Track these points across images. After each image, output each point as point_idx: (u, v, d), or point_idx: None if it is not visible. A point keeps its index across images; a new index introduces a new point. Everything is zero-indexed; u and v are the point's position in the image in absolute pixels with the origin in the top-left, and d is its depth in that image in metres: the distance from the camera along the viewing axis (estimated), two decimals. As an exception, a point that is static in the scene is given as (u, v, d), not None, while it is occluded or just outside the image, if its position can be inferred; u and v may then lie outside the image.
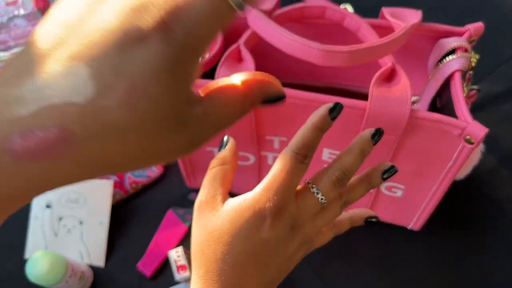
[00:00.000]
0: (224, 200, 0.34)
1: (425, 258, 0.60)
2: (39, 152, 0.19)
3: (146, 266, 0.60)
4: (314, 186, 0.33)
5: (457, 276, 0.58)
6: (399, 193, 0.54)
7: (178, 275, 0.57)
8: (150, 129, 0.20)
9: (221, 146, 0.37)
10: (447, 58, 0.48)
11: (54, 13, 0.21)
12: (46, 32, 0.20)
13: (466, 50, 0.48)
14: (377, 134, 0.33)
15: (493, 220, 0.62)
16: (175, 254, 0.58)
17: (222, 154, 0.36)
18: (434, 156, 0.47)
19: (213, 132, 0.23)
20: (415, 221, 0.58)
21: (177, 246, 0.61)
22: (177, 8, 0.18)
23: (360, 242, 0.61)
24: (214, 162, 0.36)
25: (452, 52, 0.48)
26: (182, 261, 0.58)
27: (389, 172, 0.34)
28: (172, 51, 0.18)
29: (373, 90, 0.43)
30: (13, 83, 0.19)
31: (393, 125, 0.44)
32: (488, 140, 0.44)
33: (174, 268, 0.58)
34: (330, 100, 0.44)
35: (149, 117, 0.19)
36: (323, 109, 0.32)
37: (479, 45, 0.51)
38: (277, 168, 0.32)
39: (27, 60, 0.19)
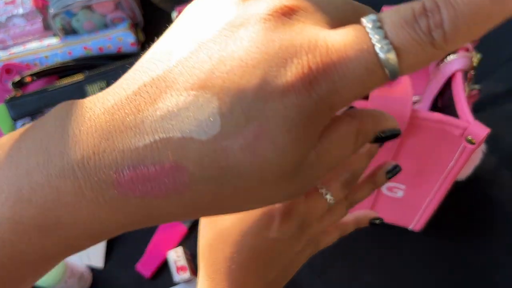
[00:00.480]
0: None
1: (426, 258, 0.59)
2: (148, 188, 0.17)
3: (145, 267, 0.60)
4: (323, 187, 0.33)
5: (459, 276, 0.58)
6: (400, 194, 0.54)
7: (178, 276, 0.57)
8: (266, 178, 0.18)
9: None
10: (448, 58, 0.47)
11: (181, 26, 0.19)
12: (171, 47, 0.18)
13: (467, 50, 0.47)
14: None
15: (495, 220, 0.61)
16: (175, 255, 0.58)
17: None
18: (435, 157, 0.47)
19: (322, 174, 0.21)
20: (416, 222, 0.58)
21: (177, 246, 0.61)
22: (330, 62, 0.16)
23: (361, 243, 0.60)
24: None
25: (453, 51, 0.48)
26: (182, 262, 0.57)
27: (393, 172, 0.34)
28: (311, 106, 0.17)
29: (374, 90, 0.43)
30: (129, 109, 0.17)
31: (394, 126, 0.43)
32: (489, 140, 0.44)
33: (173, 269, 0.57)
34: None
35: (269, 167, 0.17)
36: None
37: (481, 44, 0.51)
38: None
39: (145, 81, 0.17)
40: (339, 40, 0.17)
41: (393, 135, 0.24)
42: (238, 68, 0.16)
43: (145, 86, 0.17)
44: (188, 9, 0.20)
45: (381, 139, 0.23)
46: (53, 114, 0.18)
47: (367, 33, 0.16)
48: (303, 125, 0.17)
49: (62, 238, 0.18)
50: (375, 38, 0.16)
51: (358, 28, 0.17)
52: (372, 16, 0.17)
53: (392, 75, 0.17)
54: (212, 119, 0.16)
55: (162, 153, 0.17)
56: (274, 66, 0.16)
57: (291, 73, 0.16)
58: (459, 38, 0.16)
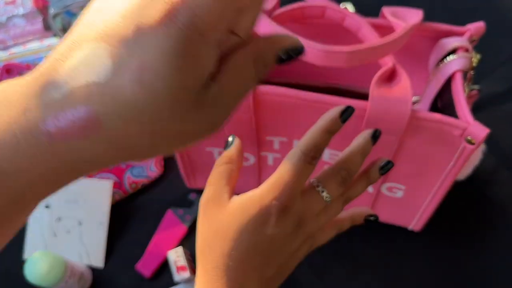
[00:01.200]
0: (230, 197, 0.35)
1: (425, 258, 0.60)
2: (71, 131, 0.21)
3: (145, 266, 0.60)
4: (319, 184, 0.34)
5: (458, 276, 0.58)
6: (399, 194, 0.54)
7: (178, 276, 0.57)
8: (164, 109, 0.21)
9: (226, 145, 0.37)
10: (448, 58, 0.47)
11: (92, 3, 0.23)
12: (82, 18, 0.22)
13: (467, 50, 0.48)
14: (376, 135, 0.35)
15: (494, 220, 0.62)
16: (175, 255, 0.58)
17: (228, 153, 0.37)
18: (435, 157, 0.47)
19: (233, 106, 0.24)
20: (415, 222, 0.58)
21: (177, 246, 0.61)
22: None
23: (361, 242, 0.61)
24: (220, 161, 0.37)
25: (453, 52, 0.48)
26: (182, 262, 0.58)
27: (386, 168, 0.36)
28: (180, 34, 0.20)
29: (374, 90, 0.43)
30: (51, 70, 0.21)
31: (394, 126, 0.43)
32: (489, 140, 0.44)
33: (173, 269, 0.57)
34: (330, 100, 0.44)
35: (161, 96, 0.20)
36: (334, 112, 0.33)
37: (480, 44, 0.51)
38: (284, 168, 0.33)
39: (64, 46, 0.21)
40: None
41: (297, 53, 0.25)
42: (120, 20, 0.20)
43: (60, 50, 0.21)
44: None
45: (284, 59, 0.25)
46: None
47: None
48: (180, 54, 0.20)
49: (7, 188, 0.21)
50: None
51: None
52: None
53: None
54: (103, 62, 0.20)
55: (76, 100, 0.20)
56: (144, 9, 0.20)
57: (156, 10, 0.20)
58: None
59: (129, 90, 0.20)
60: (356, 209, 0.39)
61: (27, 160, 0.21)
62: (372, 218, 0.39)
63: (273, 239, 0.33)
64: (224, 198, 0.35)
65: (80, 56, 0.20)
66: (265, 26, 0.44)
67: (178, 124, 0.22)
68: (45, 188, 0.23)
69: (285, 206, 0.33)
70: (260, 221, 0.33)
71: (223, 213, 0.34)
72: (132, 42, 0.20)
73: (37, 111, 0.20)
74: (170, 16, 0.20)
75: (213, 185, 0.36)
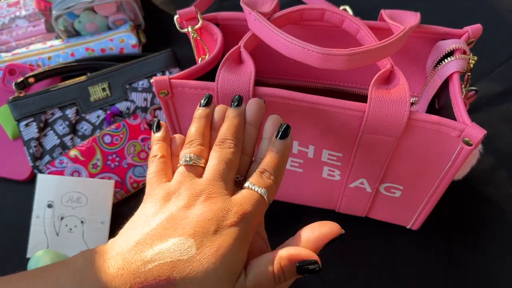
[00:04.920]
0: None
1: (423, 257, 0.60)
2: None
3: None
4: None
5: (455, 275, 0.59)
6: (397, 194, 0.55)
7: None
8: (217, 280, 0.32)
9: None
10: (446, 60, 0.48)
11: (163, 206, 0.36)
12: (159, 221, 0.34)
13: (464, 52, 0.48)
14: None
15: (491, 219, 0.62)
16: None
17: None
18: (432, 157, 0.47)
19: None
20: (413, 221, 0.59)
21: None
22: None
23: (359, 241, 0.61)
24: None
25: (450, 54, 0.49)
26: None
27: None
28: (243, 231, 0.34)
29: (372, 92, 0.43)
30: (139, 248, 0.32)
31: (392, 127, 0.44)
32: (486, 141, 0.44)
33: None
34: (328, 102, 0.44)
35: (217, 272, 0.32)
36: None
37: (477, 46, 0.52)
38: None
39: (151, 232, 0.33)
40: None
41: (313, 270, 0.34)
42: (199, 223, 0.33)
43: (149, 231, 0.33)
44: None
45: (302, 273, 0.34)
46: (80, 256, 0.32)
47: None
48: (243, 241, 0.34)
49: None
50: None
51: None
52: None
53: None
54: (190, 248, 0.32)
55: (159, 273, 0.31)
56: (221, 218, 0.34)
57: (231, 217, 0.34)
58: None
59: (203, 263, 0.31)
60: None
61: None
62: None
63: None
64: None
65: (169, 242, 0.32)
66: (264, 29, 0.45)
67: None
68: None
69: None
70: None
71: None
72: (208, 238, 0.32)
73: (126, 277, 0.30)
74: (241, 218, 0.34)
75: None
